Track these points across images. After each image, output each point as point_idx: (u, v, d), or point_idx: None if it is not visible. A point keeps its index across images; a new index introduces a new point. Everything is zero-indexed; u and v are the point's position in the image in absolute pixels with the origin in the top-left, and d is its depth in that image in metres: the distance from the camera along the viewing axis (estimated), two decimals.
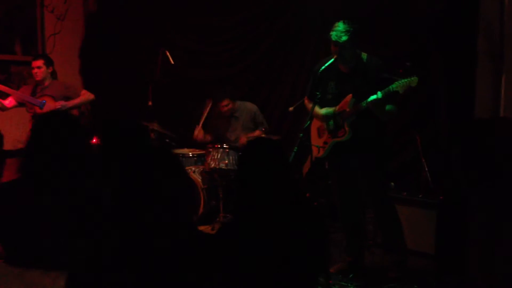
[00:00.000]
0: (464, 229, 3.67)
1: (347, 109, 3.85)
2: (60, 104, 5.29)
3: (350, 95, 3.84)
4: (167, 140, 6.19)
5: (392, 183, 4.94)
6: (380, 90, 3.65)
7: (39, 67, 5.31)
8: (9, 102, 5.35)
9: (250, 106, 5.93)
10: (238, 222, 2.19)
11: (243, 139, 5.71)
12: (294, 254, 2.09)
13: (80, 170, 1.91)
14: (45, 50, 6.89)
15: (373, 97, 3.67)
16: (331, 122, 3.96)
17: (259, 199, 2.15)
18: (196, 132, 5.93)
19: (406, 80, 3.56)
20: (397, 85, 3.58)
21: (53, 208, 1.80)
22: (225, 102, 5.78)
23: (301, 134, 3.78)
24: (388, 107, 3.76)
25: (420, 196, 4.55)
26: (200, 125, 5.90)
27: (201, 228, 5.30)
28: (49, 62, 5.41)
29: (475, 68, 3.83)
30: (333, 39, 3.76)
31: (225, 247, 2.09)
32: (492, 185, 2.41)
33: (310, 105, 4.10)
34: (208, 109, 5.90)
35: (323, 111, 4.00)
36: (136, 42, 7.12)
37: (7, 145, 6.13)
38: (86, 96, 5.50)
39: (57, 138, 1.96)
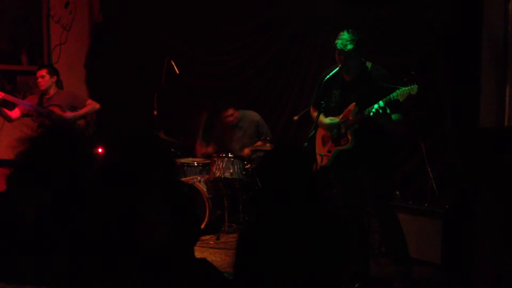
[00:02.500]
0: (471, 238, 3.66)
1: (350, 118, 3.85)
2: (68, 116, 5.31)
3: (354, 103, 3.84)
4: (173, 150, 6.20)
5: (398, 192, 4.92)
6: (381, 99, 3.65)
7: (42, 76, 5.35)
8: (15, 112, 5.38)
9: (254, 115, 5.96)
10: (259, 226, 2.18)
11: (246, 151, 5.74)
12: (314, 261, 2.08)
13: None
14: (51, 60, 6.93)
15: (375, 105, 3.67)
16: (335, 131, 3.96)
17: (280, 203, 2.14)
18: (197, 146, 5.99)
19: (406, 88, 3.56)
20: (398, 94, 3.59)
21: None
22: (229, 112, 5.81)
23: (306, 143, 3.78)
24: (393, 116, 3.75)
25: (426, 205, 4.53)
26: (200, 137, 5.96)
27: (206, 237, 5.30)
28: (53, 72, 5.44)
29: (479, 77, 3.83)
30: (338, 47, 3.76)
31: (245, 250, 2.09)
32: (497, 194, 2.40)
33: (315, 114, 4.11)
34: (203, 120, 5.95)
35: (327, 120, 4.00)
36: (141, 51, 7.15)
37: (8, 155, 6.14)
38: (92, 105, 5.54)
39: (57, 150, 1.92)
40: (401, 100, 3.59)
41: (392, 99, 3.60)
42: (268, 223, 2.15)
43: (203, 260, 1.75)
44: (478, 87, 3.82)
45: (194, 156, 6.23)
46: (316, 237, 2.10)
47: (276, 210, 2.15)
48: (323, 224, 2.15)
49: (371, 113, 3.70)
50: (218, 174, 5.42)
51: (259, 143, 5.85)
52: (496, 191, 2.51)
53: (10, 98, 5.39)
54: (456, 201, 4.08)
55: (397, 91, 3.58)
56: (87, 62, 7.49)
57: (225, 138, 6.02)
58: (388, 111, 3.66)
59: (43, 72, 5.37)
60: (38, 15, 6.80)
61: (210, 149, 6.06)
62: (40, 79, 5.35)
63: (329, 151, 4.04)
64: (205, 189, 5.58)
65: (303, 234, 2.09)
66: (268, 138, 5.77)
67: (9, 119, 5.38)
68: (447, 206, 4.33)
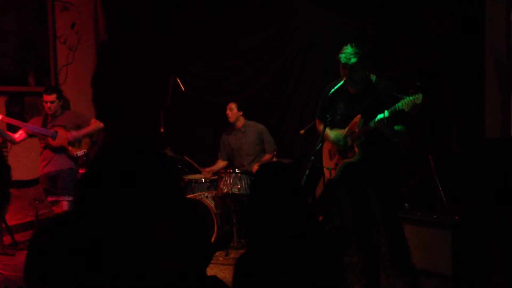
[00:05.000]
0: (481, 249, 3.63)
1: (356, 130, 3.85)
2: (72, 136, 5.32)
3: (359, 115, 3.84)
4: (180, 166, 6.23)
5: (406, 204, 4.91)
6: (387, 109, 3.65)
7: (52, 102, 5.30)
8: (19, 135, 5.38)
9: (258, 125, 6.11)
10: (252, 252, 2.18)
11: (255, 167, 5.78)
12: (310, 283, 2.08)
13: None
14: (58, 81, 6.99)
15: (380, 116, 3.66)
16: (342, 143, 3.96)
17: (272, 225, 2.14)
18: (204, 174, 6.11)
19: (411, 98, 3.56)
20: (403, 103, 3.58)
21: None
22: (231, 105, 6.03)
23: (313, 157, 3.78)
24: (397, 127, 3.75)
25: (435, 216, 4.51)
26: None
27: (215, 253, 5.28)
28: (61, 95, 5.45)
29: (483, 88, 3.83)
30: (342, 61, 3.78)
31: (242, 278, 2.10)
32: (505, 205, 2.38)
33: (321, 127, 4.11)
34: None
35: (333, 134, 4.01)
36: (147, 69, 7.20)
37: (18, 176, 6.17)
38: (96, 124, 5.55)
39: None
40: (406, 110, 3.58)
41: (397, 109, 3.60)
42: (260, 251, 2.15)
43: (214, 278, 1.75)
44: (483, 98, 3.82)
45: (201, 172, 6.25)
46: (311, 257, 2.11)
47: (265, 232, 2.15)
48: (317, 244, 2.16)
49: (373, 123, 3.70)
50: (226, 190, 5.43)
51: (266, 156, 5.90)
52: (504, 202, 2.50)
53: (12, 121, 5.41)
54: (465, 212, 4.07)
55: (402, 101, 3.58)
56: (93, 82, 7.54)
57: (232, 144, 6.14)
58: (392, 121, 3.66)
59: (53, 97, 5.30)
60: (44, 36, 6.87)
61: (216, 167, 6.18)
62: (50, 104, 5.29)
63: (336, 164, 4.04)
64: (213, 205, 5.58)
65: (295, 261, 2.09)
66: (275, 153, 5.81)
67: (13, 142, 5.39)
68: (456, 218, 4.32)
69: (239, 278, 2.14)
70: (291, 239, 2.11)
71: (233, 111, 6.05)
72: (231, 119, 6.07)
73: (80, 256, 1.63)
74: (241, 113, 6.09)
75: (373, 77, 3.90)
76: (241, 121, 6.11)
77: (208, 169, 6.16)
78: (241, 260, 2.21)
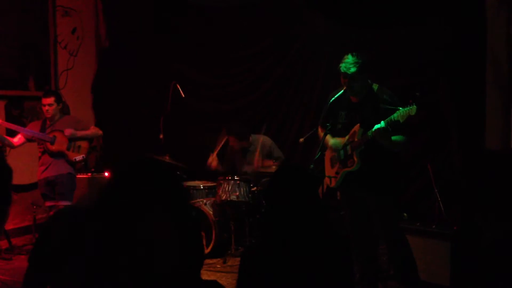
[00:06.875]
0: (480, 260, 3.62)
1: (356, 139, 3.86)
2: (69, 132, 5.30)
3: (358, 125, 3.86)
4: (178, 173, 6.21)
5: (405, 214, 4.90)
6: (383, 120, 3.67)
7: (50, 105, 5.32)
8: (18, 139, 5.37)
9: (264, 140, 5.94)
10: (264, 249, 2.20)
11: (258, 164, 5.72)
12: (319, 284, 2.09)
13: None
14: (58, 86, 6.99)
15: (377, 126, 3.69)
16: (342, 152, 3.97)
17: (286, 225, 2.16)
18: (210, 160, 5.97)
19: (405, 109, 3.59)
20: (398, 115, 3.61)
21: None
22: (231, 139, 5.86)
23: (312, 165, 3.78)
24: (395, 137, 3.76)
25: (434, 226, 4.50)
26: (215, 153, 5.95)
27: (213, 261, 5.27)
28: (59, 99, 5.45)
29: (484, 99, 3.84)
30: (342, 71, 3.80)
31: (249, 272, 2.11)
32: (503, 216, 2.38)
33: (322, 135, 4.13)
34: (224, 138, 5.95)
35: (331, 141, 4.03)
36: (147, 76, 7.21)
37: (16, 180, 6.14)
38: (95, 130, 5.56)
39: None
40: (401, 121, 3.61)
41: (393, 120, 3.62)
42: (272, 243, 2.17)
43: (214, 282, 1.75)
44: (483, 109, 3.83)
45: (201, 179, 6.24)
46: (320, 256, 2.13)
47: (279, 230, 2.17)
48: (326, 243, 2.18)
49: (370, 133, 3.72)
50: (224, 197, 5.41)
51: (270, 162, 5.82)
52: (503, 213, 2.49)
53: (11, 126, 5.40)
54: (464, 223, 4.06)
55: (397, 112, 3.62)
56: (93, 87, 7.54)
57: (237, 161, 6.04)
58: (389, 132, 3.67)
59: (51, 100, 5.34)
60: (45, 41, 6.87)
61: (220, 167, 6.08)
62: (48, 107, 5.32)
63: (337, 173, 4.04)
64: (211, 212, 5.56)
65: (307, 252, 2.11)
66: (274, 161, 5.78)
67: (12, 146, 5.38)
68: (455, 228, 4.31)
69: (245, 269, 2.16)
70: (305, 238, 2.14)
71: (235, 143, 5.92)
72: (238, 148, 5.97)
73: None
74: (245, 141, 5.90)
75: (375, 86, 3.92)
76: (248, 142, 6.02)
77: (216, 158, 6.03)
78: (248, 251, 2.27)
